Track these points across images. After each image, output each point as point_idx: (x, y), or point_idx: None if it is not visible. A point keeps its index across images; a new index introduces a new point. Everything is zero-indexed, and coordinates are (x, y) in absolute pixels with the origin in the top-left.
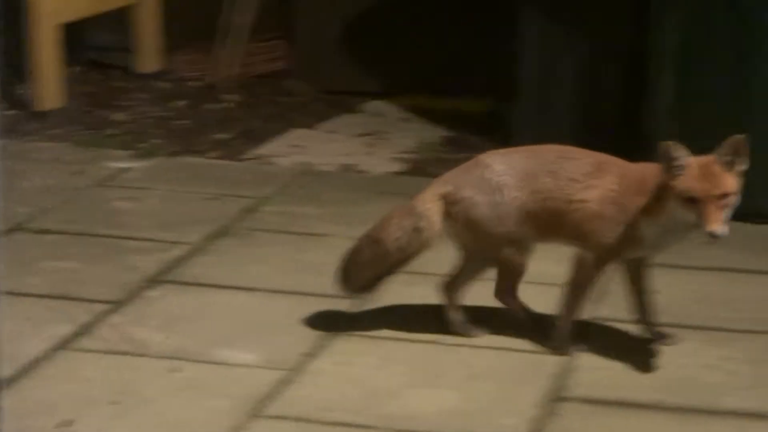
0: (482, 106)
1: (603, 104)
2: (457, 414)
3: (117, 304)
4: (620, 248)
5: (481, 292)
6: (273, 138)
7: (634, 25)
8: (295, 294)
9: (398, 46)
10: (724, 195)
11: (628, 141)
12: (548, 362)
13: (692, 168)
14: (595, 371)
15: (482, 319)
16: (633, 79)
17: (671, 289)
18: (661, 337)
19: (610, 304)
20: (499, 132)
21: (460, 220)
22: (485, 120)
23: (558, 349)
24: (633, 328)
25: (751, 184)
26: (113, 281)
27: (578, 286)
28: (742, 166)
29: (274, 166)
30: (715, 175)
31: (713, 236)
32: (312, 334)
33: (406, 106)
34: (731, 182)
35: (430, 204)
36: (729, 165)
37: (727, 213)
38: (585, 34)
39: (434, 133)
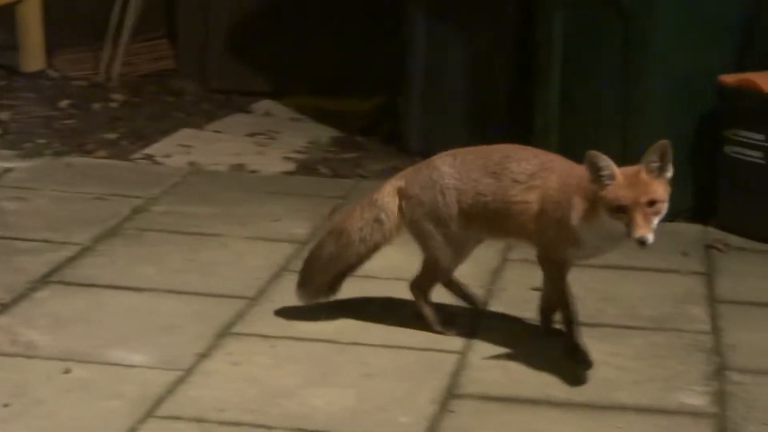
0: (370, 106)
1: (492, 99)
2: (353, 412)
3: (4, 306)
4: (563, 246)
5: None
6: (161, 138)
7: (521, 17)
8: (188, 294)
9: (287, 46)
10: (652, 202)
11: (520, 135)
12: (443, 360)
13: (619, 177)
14: (490, 369)
15: (385, 314)
16: (523, 72)
17: None
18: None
19: (504, 301)
20: (386, 130)
21: (407, 216)
22: (373, 119)
23: (572, 355)
24: (526, 325)
25: None
26: (0, 282)
27: (553, 284)
28: (669, 172)
29: (163, 166)
30: (642, 183)
31: (641, 242)
32: (205, 334)
33: (295, 106)
34: (659, 189)
35: (388, 197)
36: (656, 172)
37: (655, 221)
38: (472, 28)
39: (323, 132)
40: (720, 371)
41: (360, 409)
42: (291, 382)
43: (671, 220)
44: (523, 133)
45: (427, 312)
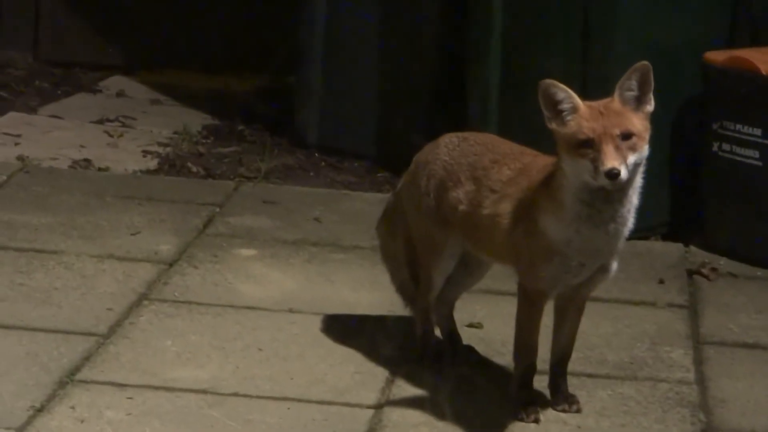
0: (252, 85)
1: (416, 80)
2: None
3: None
4: (538, 263)
5: None
6: None
7: None
8: (18, 329)
9: (145, 8)
10: (627, 134)
11: (449, 127)
12: (354, 417)
13: (583, 108)
14: (412, 429)
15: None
16: (454, 48)
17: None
18: (565, 400)
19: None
20: (275, 115)
21: (398, 186)
22: (257, 101)
23: (515, 413)
24: (460, 371)
25: None
26: None
27: (521, 320)
28: (650, 105)
29: None
30: (615, 113)
31: (611, 175)
32: (43, 382)
33: (157, 85)
34: (635, 121)
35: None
36: (633, 103)
37: (631, 158)
38: None
39: (193, 119)
40: None
41: None
42: None
43: (644, 238)
44: (453, 125)
45: (419, 331)
